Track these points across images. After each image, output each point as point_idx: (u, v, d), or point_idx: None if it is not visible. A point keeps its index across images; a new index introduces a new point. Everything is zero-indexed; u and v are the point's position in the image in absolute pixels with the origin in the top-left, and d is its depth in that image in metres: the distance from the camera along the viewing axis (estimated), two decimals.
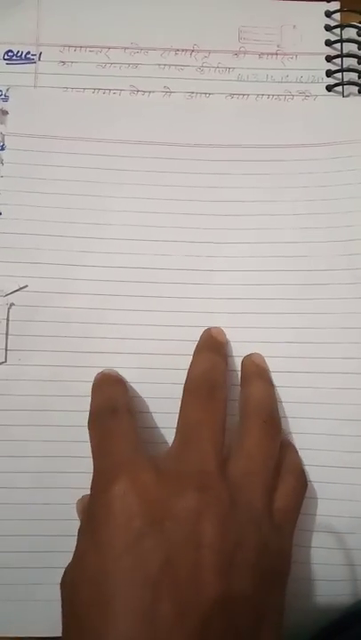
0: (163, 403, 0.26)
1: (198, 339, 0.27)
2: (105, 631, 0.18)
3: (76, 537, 0.22)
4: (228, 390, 0.25)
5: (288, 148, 0.29)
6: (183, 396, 0.24)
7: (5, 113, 0.29)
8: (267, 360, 0.27)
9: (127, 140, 0.29)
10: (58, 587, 0.21)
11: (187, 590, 0.19)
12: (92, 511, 0.21)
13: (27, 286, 0.27)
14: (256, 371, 0.26)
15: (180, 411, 0.24)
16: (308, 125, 0.29)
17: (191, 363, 0.25)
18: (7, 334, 0.27)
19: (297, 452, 0.26)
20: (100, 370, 0.26)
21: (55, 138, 0.29)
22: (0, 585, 0.25)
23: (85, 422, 0.24)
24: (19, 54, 0.30)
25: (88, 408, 0.25)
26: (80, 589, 0.20)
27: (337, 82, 0.30)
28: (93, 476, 0.22)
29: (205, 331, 0.27)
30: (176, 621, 0.18)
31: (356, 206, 0.28)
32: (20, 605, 0.25)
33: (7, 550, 0.26)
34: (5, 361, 0.27)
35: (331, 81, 0.30)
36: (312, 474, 0.26)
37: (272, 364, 0.27)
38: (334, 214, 0.28)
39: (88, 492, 0.22)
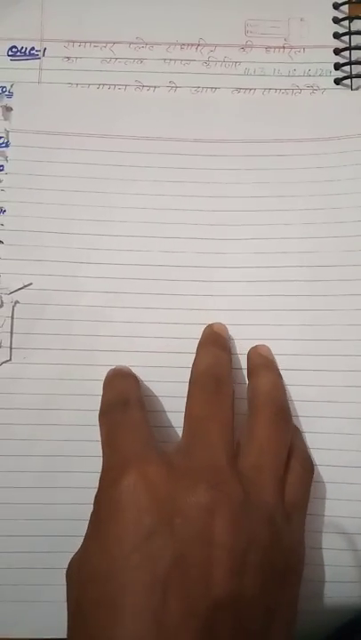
0: (169, 401, 0.26)
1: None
2: (112, 631, 0.18)
3: (82, 537, 0.22)
4: (233, 385, 0.24)
5: (294, 142, 0.29)
6: (189, 391, 0.24)
7: (10, 109, 0.29)
8: None
9: (132, 136, 0.29)
10: (63, 588, 0.21)
11: (197, 590, 0.18)
12: (100, 505, 0.21)
13: (31, 284, 0.27)
14: (262, 362, 0.26)
15: (187, 406, 0.23)
16: (314, 119, 0.29)
17: (195, 358, 0.25)
18: (12, 332, 0.27)
19: (301, 435, 0.25)
20: (105, 368, 0.26)
21: (60, 134, 0.29)
22: (5, 586, 0.25)
23: (91, 421, 0.24)
24: (23, 50, 0.29)
25: (94, 407, 0.24)
26: (87, 587, 0.19)
27: (345, 75, 0.30)
28: (102, 470, 0.22)
29: (207, 326, 0.27)
30: (185, 622, 0.18)
31: None
32: (25, 606, 0.25)
33: (12, 551, 0.25)
34: (10, 359, 0.27)
35: (339, 74, 0.30)
36: (320, 473, 0.26)
37: (278, 362, 0.26)
38: (342, 209, 0.28)
39: (94, 491, 0.22)
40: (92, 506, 0.22)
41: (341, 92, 0.30)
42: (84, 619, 0.19)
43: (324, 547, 0.25)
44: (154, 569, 0.19)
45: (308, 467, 0.24)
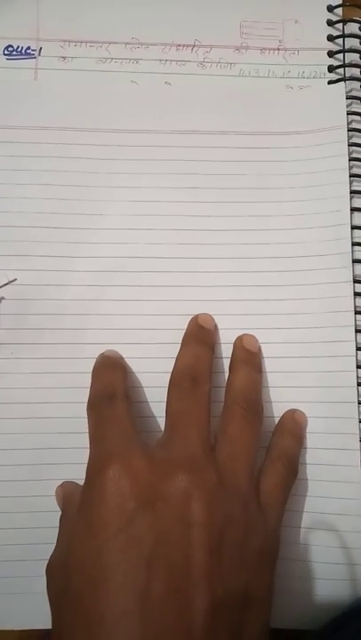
0: (158, 392, 0.26)
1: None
2: (99, 610, 0.19)
3: None
4: (211, 381, 0.25)
5: (276, 135, 0.29)
6: (168, 389, 0.25)
7: None
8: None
9: (116, 129, 0.29)
10: None
11: (178, 567, 0.20)
12: (86, 494, 0.22)
13: (16, 280, 0.27)
14: (243, 357, 0.26)
15: (166, 403, 0.25)
16: (294, 113, 0.29)
17: (177, 355, 0.26)
18: None
19: (296, 439, 0.26)
20: (93, 361, 0.26)
21: (43, 129, 0.29)
22: None
23: (80, 414, 0.25)
24: (19, 49, 0.30)
25: (83, 399, 0.25)
26: (75, 573, 0.20)
27: (339, 77, 0.30)
28: (88, 461, 0.23)
29: (192, 319, 0.27)
30: (168, 598, 0.19)
31: (342, 191, 0.28)
32: (18, 598, 0.26)
33: (4, 543, 0.26)
34: None
35: (333, 76, 0.30)
36: (307, 471, 0.26)
37: (263, 350, 0.27)
38: (322, 200, 0.28)
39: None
40: None
41: (319, 86, 0.30)
42: (73, 601, 0.20)
43: (312, 543, 0.26)
44: (138, 549, 0.20)
45: (291, 468, 0.25)
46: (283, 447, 0.25)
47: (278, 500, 0.24)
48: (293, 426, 0.26)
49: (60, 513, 0.24)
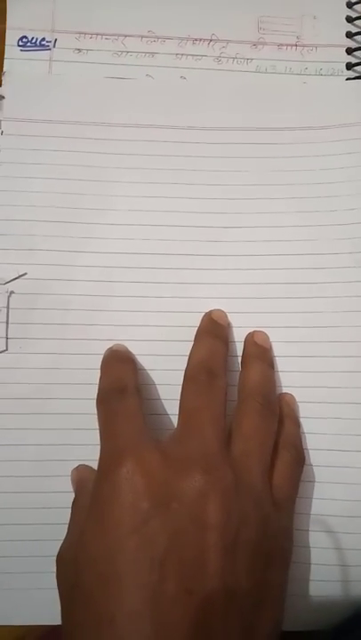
0: (166, 389, 0.26)
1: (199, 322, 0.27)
2: (110, 609, 0.19)
3: None
4: (227, 376, 0.25)
5: (288, 131, 0.29)
6: (183, 383, 0.24)
7: (1, 98, 0.29)
8: None
9: (130, 124, 0.29)
10: None
11: (192, 569, 0.19)
12: (99, 491, 0.22)
13: (26, 274, 0.27)
14: (255, 352, 0.26)
15: (181, 398, 0.24)
16: (307, 109, 0.29)
17: (191, 349, 0.26)
18: (7, 322, 0.27)
19: (295, 423, 0.26)
20: (101, 357, 0.26)
21: (56, 122, 0.29)
22: (3, 574, 0.26)
23: (87, 410, 0.25)
24: (33, 41, 0.29)
25: (90, 396, 0.25)
26: (86, 570, 0.20)
27: (357, 75, 0.29)
28: (100, 457, 0.23)
29: (206, 314, 0.27)
30: (180, 598, 0.19)
31: (357, 189, 0.28)
32: (23, 594, 0.26)
33: (10, 539, 0.26)
34: (6, 349, 0.27)
35: (351, 74, 0.30)
36: (315, 459, 0.26)
37: (275, 349, 0.27)
38: (336, 197, 0.28)
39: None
40: None
41: (334, 82, 0.30)
42: (83, 599, 0.20)
43: (310, 545, 0.26)
44: (151, 550, 0.20)
45: (298, 457, 0.25)
46: (286, 434, 0.25)
47: (290, 494, 0.24)
48: (289, 410, 0.26)
49: (66, 510, 0.24)
